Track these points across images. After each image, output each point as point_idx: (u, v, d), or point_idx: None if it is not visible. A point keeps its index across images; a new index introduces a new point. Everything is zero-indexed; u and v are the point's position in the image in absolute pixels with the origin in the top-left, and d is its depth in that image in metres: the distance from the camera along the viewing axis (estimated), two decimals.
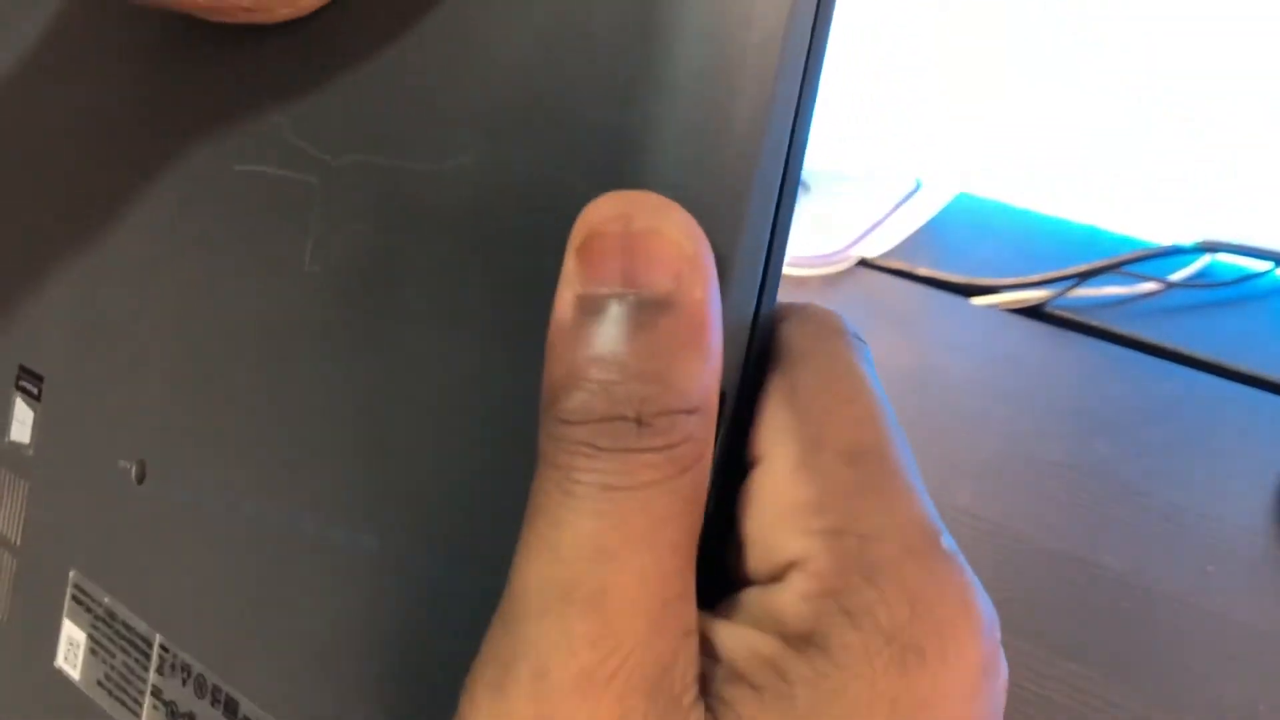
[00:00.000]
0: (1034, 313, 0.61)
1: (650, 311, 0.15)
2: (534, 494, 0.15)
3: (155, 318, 0.23)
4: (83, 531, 0.25)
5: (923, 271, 0.65)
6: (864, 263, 0.66)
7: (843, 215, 0.68)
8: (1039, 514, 0.47)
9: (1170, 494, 0.48)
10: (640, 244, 0.15)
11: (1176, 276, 0.62)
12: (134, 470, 0.24)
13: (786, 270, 0.71)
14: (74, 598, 0.25)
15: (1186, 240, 0.64)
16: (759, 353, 0.17)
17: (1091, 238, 0.70)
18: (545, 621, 0.15)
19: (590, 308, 0.15)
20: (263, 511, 0.21)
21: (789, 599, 0.16)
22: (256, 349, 0.21)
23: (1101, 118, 0.72)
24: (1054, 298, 0.61)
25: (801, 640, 0.15)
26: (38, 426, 0.26)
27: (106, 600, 0.25)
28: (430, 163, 0.19)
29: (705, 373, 0.15)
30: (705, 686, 0.15)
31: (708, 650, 0.16)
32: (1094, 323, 0.60)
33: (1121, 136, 0.71)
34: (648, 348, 0.15)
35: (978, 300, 0.63)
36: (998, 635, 0.16)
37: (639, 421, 0.15)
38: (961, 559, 0.16)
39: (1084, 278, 0.61)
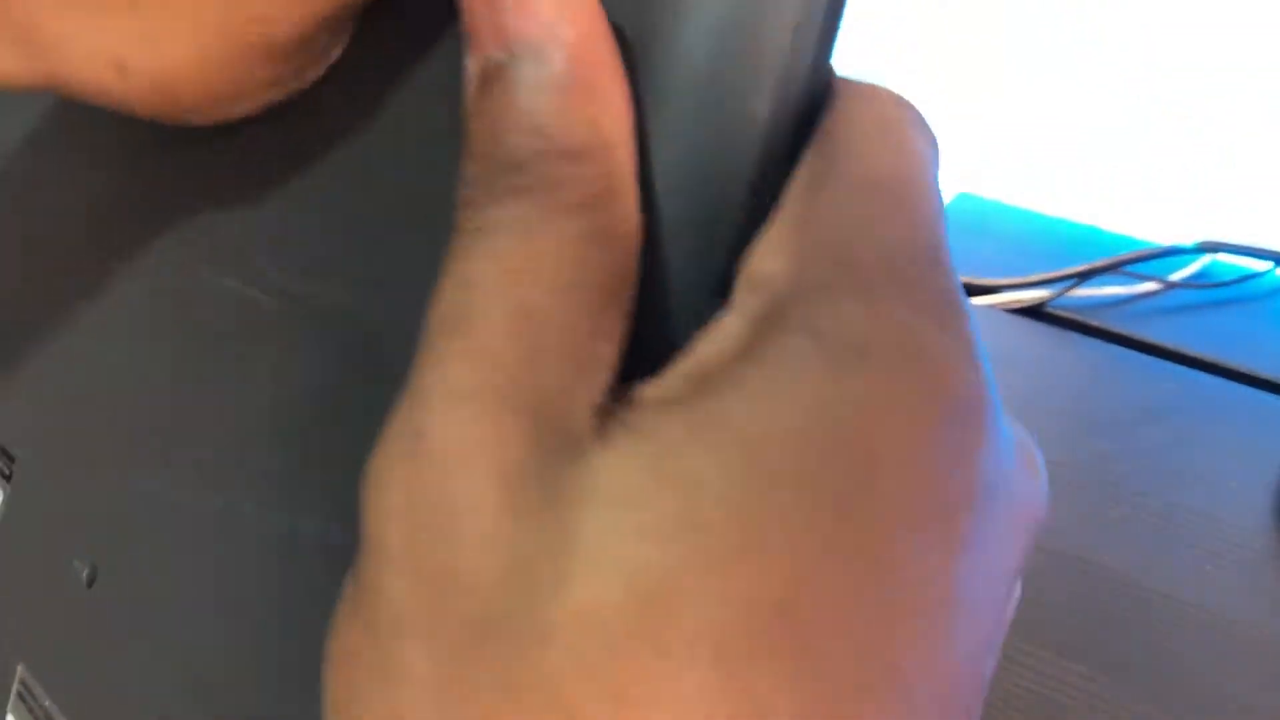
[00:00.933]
0: (1034, 312, 0.61)
1: (527, 67, 0.14)
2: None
3: (114, 415, 0.23)
4: (32, 627, 0.24)
5: None
6: None
7: None
8: None
9: (1169, 493, 0.48)
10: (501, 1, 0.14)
11: (1176, 276, 0.62)
12: (86, 572, 0.23)
13: None
14: (19, 694, 0.24)
15: (1186, 240, 0.64)
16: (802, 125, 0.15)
17: (1091, 238, 0.70)
18: (422, 353, 0.14)
19: (480, 78, 0.15)
20: (205, 633, 0.20)
21: (734, 321, 0.14)
22: (207, 467, 0.20)
23: (1101, 117, 0.72)
24: (1054, 298, 0.61)
25: (733, 359, 0.13)
26: (5, 507, 0.25)
27: (47, 704, 0.23)
28: (380, 313, 0.18)
29: (589, 114, 0.14)
30: (614, 420, 0.14)
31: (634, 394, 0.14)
32: (1094, 323, 0.60)
33: (1121, 135, 0.71)
34: (526, 105, 0.14)
35: (978, 300, 0.63)
36: (982, 391, 0.14)
37: (515, 168, 0.14)
38: (955, 283, 0.14)
39: (1084, 278, 0.61)
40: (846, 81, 0.16)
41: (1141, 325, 0.60)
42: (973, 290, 0.63)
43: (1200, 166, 0.69)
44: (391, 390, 0.16)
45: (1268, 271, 0.62)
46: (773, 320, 0.13)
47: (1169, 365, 0.57)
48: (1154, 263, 0.62)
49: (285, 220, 0.19)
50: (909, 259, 0.14)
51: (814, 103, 0.15)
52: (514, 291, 0.14)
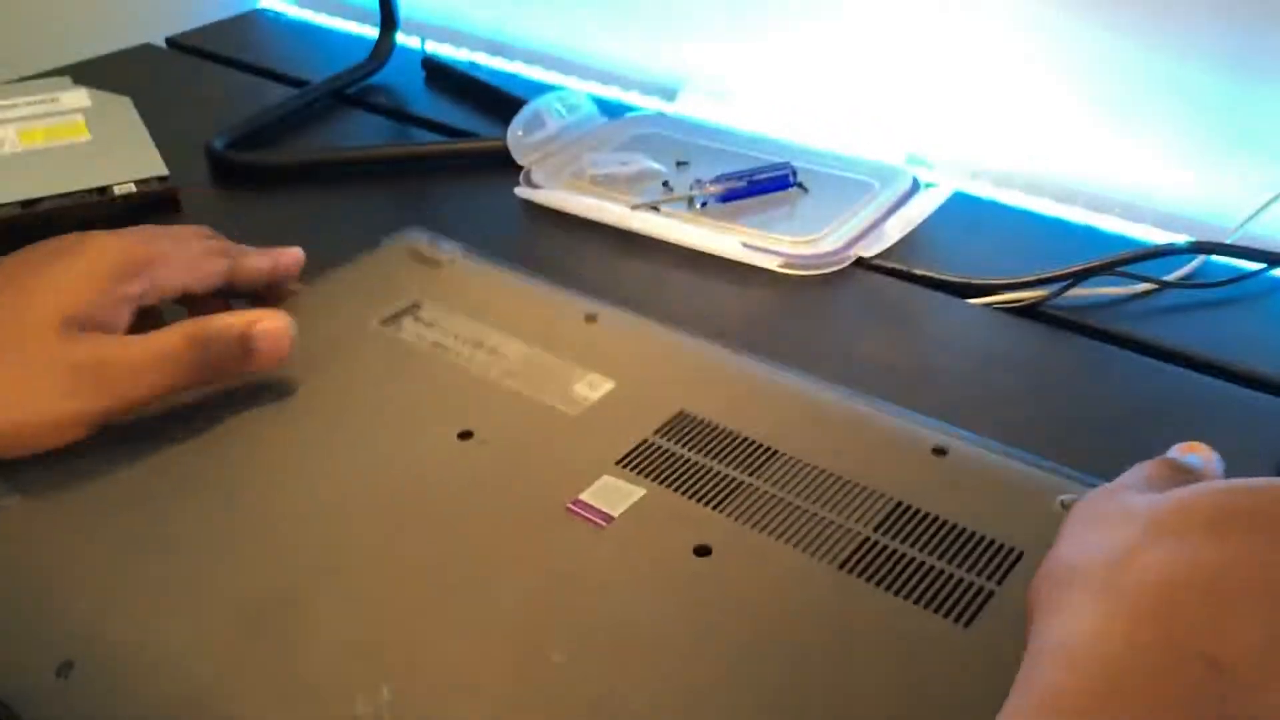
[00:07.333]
0: (1030, 312, 0.62)
1: None
2: None
3: None
4: None
5: (919, 271, 0.65)
6: (860, 262, 0.66)
7: (840, 215, 0.69)
8: None
9: None
10: None
11: (1171, 277, 0.63)
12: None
13: (784, 271, 0.71)
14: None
15: (1180, 240, 0.65)
16: None
17: (1087, 238, 0.70)
18: None
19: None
20: None
21: None
22: None
23: (1099, 116, 0.72)
24: (1050, 297, 0.62)
25: None
26: None
27: None
28: None
29: None
30: None
31: None
32: (1089, 322, 0.61)
33: (1119, 134, 0.72)
34: None
35: (974, 300, 0.63)
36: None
37: None
38: None
39: (1079, 278, 0.61)
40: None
41: (1137, 325, 0.60)
42: (969, 290, 0.63)
43: (1191, 165, 0.69)
44: None
45: (1261, 272, 0.63)
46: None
47: (1164, 364, 0.57)
48: (1149, 263, 0.62)
49: None
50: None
51: None
52: None
